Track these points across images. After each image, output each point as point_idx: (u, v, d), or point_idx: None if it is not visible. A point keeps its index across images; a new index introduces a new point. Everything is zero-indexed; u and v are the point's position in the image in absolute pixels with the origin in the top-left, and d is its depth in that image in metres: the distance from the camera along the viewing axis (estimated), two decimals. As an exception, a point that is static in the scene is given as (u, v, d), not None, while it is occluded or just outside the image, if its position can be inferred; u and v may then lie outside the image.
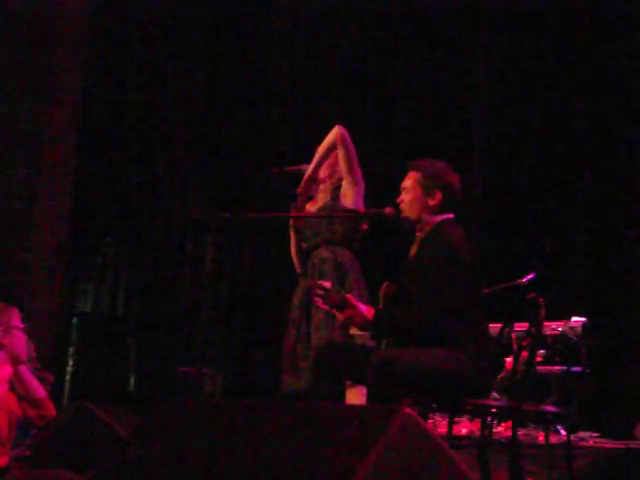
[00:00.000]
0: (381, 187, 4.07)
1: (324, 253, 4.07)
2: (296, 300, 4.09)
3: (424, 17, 5.90)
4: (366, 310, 3.05)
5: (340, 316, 3.12)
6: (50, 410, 3.46)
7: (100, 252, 6.31)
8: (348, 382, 3.62)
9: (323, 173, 4.20)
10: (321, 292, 3.11)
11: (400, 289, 3.19)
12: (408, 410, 1.88)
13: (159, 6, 6.21)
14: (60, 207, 6.03)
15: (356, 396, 3.68)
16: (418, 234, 3.21)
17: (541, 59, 5.67)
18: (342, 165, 4.04)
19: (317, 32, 6.21)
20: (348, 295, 3.16)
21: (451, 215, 3.19)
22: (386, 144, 5.83)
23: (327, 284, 3.21)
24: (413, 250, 3.23)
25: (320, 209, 4.12)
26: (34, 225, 5.93)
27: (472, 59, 5.90)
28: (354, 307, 3.04)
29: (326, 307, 3.19)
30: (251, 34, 6.36)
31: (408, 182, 3.20)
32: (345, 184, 4.06)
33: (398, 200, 3.22)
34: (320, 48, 6.22)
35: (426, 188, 3.15)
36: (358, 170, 4.09)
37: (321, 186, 4.20)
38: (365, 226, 4.18)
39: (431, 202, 3.15)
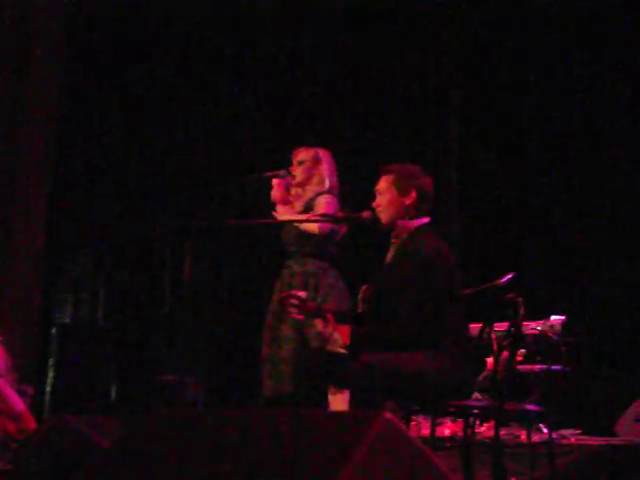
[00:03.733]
0: (357, 192, 4.09)
1: (294, 266, 4.10)
2: (272, 306, 4.11)
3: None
4: (341, 330, 3.06)
5: (319, 323, 3.14)
6: (30, 423, 3.43)
7: (78, 262, 6.28)
8: (332, 388, 3.63)
9: (300, 177, 4.21)
10: (295, 302, 3.12)
11: (377, 295, 3.21)
12: (388, 414, 1.88)
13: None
14: (37, 217, 5.98)
15: (340, 402, 3.69)
16: (394, 240, 3.23)
17: (514, 56, 5.70)
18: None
19: (295, 32, 6.21)
20: (329, 314, 3.16)
21: (427, 219, 3.22)
22: (363, 150, 5.84)
23: (301, 294, 3.21)
24: (389, 256, 3.25)
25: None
26: (11, 236, 5.89)
27: (444, 57, 5.93)
28: (333, 326, 3.07)
29: (301, 317, 3.20)
30: (234, 38, 6.36)
31: (382, 185, 3.24)
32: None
33: (374, 204, 3.24)
34: (297, 51, 6.22)
35: (400, 188, 3.19)
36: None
37: (299, 190, 4.21)
38: (344, 229, 4.20)
39: (407, 201, 3.18)
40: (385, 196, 3.21)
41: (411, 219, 3.20)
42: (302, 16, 6.08)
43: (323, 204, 4.09)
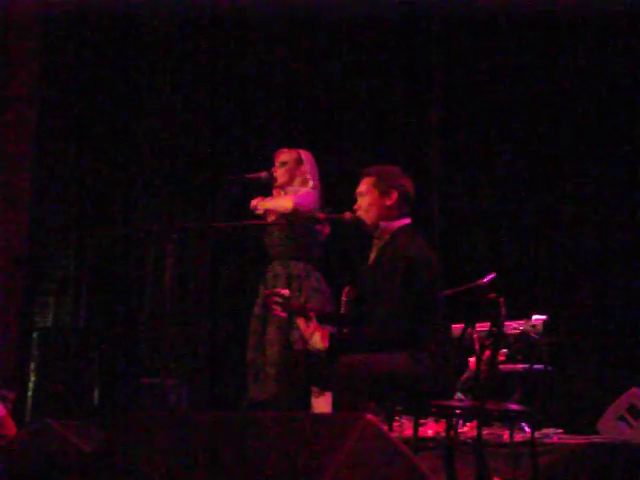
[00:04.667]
0: (338, 195, 4.10)
1: (277, 268, 4.10)
2: (256, 310, 4.10)
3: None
4: (322, 334, 3.07)
5: (301, 322, 3.15)
6: (10, 429, 3.40)
7: (60, 265, 6.24)
8: (315, 391, 3.63)
9: (282, 178, 4.21)
10: (279, 300, 3.13)
11: (359, 296, 3.22)
12: (369, 417, 1.89)
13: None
14: (18, 220, 5.95)
15: (323, 405, 3.69)
16: (376, 241, 3.24)
17: (496, 64, 5.72)
18: None
19: (274, 36, 6.20)
20: (311, 313, 3.17)
21: (408, 220, 3.24)
22: (343, 152, 5.84)
23: (285, 292, 3.22)
24: (372, 257, 3.26)
25: (276, 220, 4.13)
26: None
27: (427, 63, 5.93)
28: (315, 326, 3.09)
29: (284, 315, 3.21)
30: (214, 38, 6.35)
31: (363, 187, 3.25)
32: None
33: (355, 207, 3.25)
34: (274, 53, 6.21)
35: (381, 189, 3.20)
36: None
37: (281, 192, 4.22)
38: (327, 230, 4.20)
39: (388, 202, 3.20)
40: (366, 198, 3.23)
41: (392, 220, 3.21)
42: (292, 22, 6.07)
43: (303, 194, 4.10)
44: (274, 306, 3.19)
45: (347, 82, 6.00)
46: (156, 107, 6.31)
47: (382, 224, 3.21)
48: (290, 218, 4.06)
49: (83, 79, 6.25)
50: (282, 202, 4.10)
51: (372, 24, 5.89)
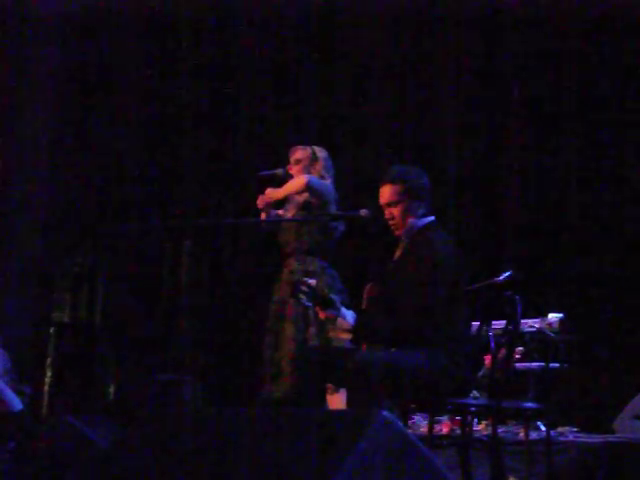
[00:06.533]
0: (355, 190, 4.09)
1: (293, 264, 4.11)
2: (273, 307, 4.11)
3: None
4: (349, 314, 3.08)
5: (322, 314, 3.15)
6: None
7: (76, 261, 6.27)
8: (330, 388, 3.64)
9: (297, 176, 4.21)
10: (306, 289, 3.13)
11: (383, 291, 3.22)
12: (386, 413, 1.89)
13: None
14: (34, 216, 5.99)
15: (338, 401, 3.69)
16: (403, 238, 3.24)
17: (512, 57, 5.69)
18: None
19: (287, 30, 6.20)
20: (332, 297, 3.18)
21: (432, 217, 3.24)
22: (361, 146, 5.83)
23: (312, 282, 3.22)
24: (397, 254, 3.26)
25: (295, 215, 4.14)
26: (8, 236, 5.89)
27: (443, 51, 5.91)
28: (337, 309, 3.08)
29: (309, 304, 3.22)
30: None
31: (392, 197, 3.21)
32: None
33: (387, 217, 3.22)
34: (294, 51, 6.22)
35: (412, 195, 3.19)
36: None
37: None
38: (342, 227, 4.20)
39: (418, 205, 3.19)
40: (398, 207, 3.20)
41: (418, 217, 3.21)
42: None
43: (318, 179, 4.11)
44: (300, 295, 3.19)
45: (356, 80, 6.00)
46: (171, 102, 6.33)
47: (408, 221, 3.21)
48: (307, 202, 4.06)
49: (97, 76, 6.28)
50: (294, 181, 4.10)
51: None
